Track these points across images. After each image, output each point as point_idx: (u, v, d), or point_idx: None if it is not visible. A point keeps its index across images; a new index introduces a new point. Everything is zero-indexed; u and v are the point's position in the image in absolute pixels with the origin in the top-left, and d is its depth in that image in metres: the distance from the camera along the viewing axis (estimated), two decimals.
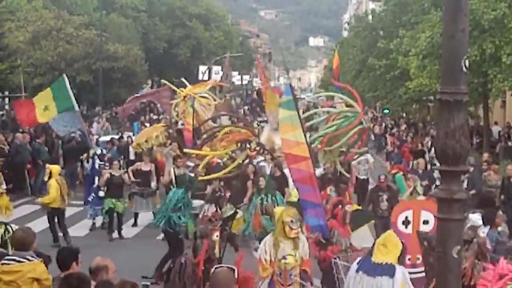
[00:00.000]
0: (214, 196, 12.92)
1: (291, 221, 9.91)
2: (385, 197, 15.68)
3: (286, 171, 17.38)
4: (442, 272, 5.18)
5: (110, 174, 17.67)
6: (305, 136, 11.15)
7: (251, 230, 15.29)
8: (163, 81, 26.90)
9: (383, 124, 45.60)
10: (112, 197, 17.50)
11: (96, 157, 19.46)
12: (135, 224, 18.97)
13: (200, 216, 12.38)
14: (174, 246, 13.77)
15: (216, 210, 12.37)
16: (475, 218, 11.30)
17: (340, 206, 12.01)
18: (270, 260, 9.93)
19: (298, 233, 10.05)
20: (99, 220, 18.81)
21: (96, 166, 19.05)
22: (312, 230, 11.77)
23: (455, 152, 5.02)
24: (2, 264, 7.54)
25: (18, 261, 7.53)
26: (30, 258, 7.61)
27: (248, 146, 16.26)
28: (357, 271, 8.40)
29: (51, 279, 7.59)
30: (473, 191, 17.01)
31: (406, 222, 10.55)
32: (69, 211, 19.51)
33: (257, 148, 17.64)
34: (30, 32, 46.50)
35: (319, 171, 17.15)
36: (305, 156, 10.94)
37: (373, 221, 14.22)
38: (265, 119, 31.39)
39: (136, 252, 16.15)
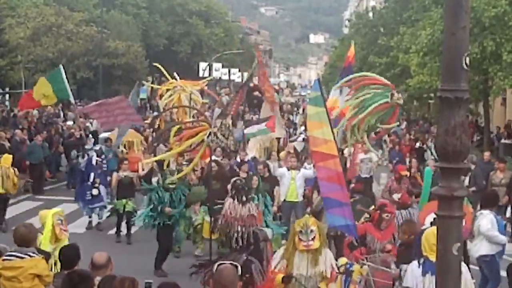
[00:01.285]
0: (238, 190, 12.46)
1: (300, 231, 9.30)
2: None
3: (281, 170, 17.31)
4: (441, 270, 5.18)
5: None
6: (333, 133, 10.77)
7: None
8: (156, 64, 26.54)
9: None
10: (123, 197, 17.13)
11: (94, 153, 18.87)
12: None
13: (223, 212, 12.17)
14: (163, 242, 14.39)
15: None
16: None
17: (379, 211, 11.48)
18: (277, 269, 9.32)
19: (310, 246, 9.26)
20: (95, 219, 18.41)
21: (93, 162, 18.39)
22: (337, 230, 11.29)
23: (455, 149, 5.02)
24: (4, 260, 7.56)
25: (20, 257, 7.55)
26: (31, 254, 7.62)
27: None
28: (423, 274, 8.25)
29: (52, 276, 7.61)
30: (473, 188, 17.04)
31: (434, 223, 10.04)
32: (68, 208, 19.56)
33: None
34: (31, 28, 46.52)
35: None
36: (333, 154, 10.55)
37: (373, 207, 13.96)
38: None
39: (135, 248, 16.14)
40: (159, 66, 24.65)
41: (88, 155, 19.31)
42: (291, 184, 16.69)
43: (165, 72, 24.04)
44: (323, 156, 10.61)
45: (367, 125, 13.67)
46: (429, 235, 8.20)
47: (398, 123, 16.50)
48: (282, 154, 20.10)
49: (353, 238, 10.85)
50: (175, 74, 24.36)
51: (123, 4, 62.81)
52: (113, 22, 55.85)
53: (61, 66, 21.17)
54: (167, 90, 22.32)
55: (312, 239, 9.30)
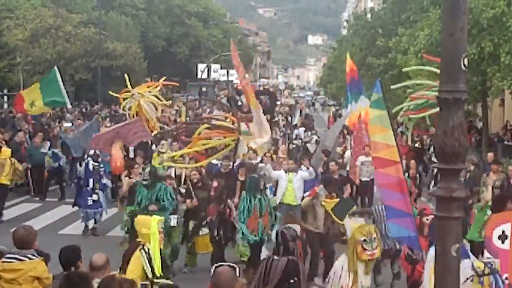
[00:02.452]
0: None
1: (364, 240, 9.05)
2: None
3: (278, 173, 17.01)
4: (441, 270, 5.19)
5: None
6: (395, 138, 10.25)
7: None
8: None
9: None
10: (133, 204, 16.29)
11: (89, 158, 18.02)
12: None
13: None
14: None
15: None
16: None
17: (419, 216, 11.01)
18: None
19: (374, 255, 9.09)
20: (90, 223, 17.77)
21: (90, 167, 17.77)
22: (400, 242, 10.72)
23: (453, 150, 5.03)
24: (3, 262, 7.55)
25: (19, 259, 7.54)
26: (31, 256, 7.61)
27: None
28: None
29: (52, 278, 7.60)
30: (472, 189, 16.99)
31: (502, 237, 9.42)
32: (66, 210, 19.54)
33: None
34: (29, 30, 46.54)
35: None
36: (395, 160, 9.99)
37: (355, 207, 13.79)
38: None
39: None
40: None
41: (86, 161, 18.39)
42: (289, 186, 16.41)
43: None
44: (384, 162, 10.08)
45: (415, 120, 13.33)
46: None
47: None
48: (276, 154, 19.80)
49: (410, 250, 10.35)
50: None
51: (121, 5, 62.84)
52: (111, 23, 55.88)
53: (56, 69, 20.85)
54: (124, 99, 22.00)
55: (376, 248, 9.18)
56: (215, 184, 15.40)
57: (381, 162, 10.12)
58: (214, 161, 18.56)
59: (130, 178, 16.45)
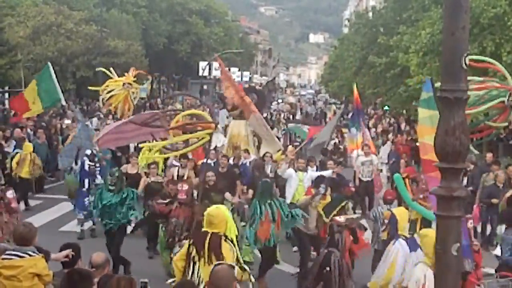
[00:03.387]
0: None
1: None
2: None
3: (288, 172, 16.87)
4: (441, 270, 5.18)
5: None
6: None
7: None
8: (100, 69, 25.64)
9: (385, 121, 45.26)
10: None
11: (85, 158, 17.45)
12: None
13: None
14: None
15: None
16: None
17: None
18: None
19: None
20: (86, 225, 17.36)
21: (86, 167, 17.22)
22: None
23: (454, 149, 5.03)
24: (3, 259, 7.55)
25: (19, 256, 7.55)
26: (31, 253, 7.61)
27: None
28: (410, 251, 8.92)
29: (52, 275, 7.61)
30: (470, 188, 16.97)
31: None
32: (66, 207, 19.51)
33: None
34: (30, 27, 46.47)
35: (327, 173, 16.95)
36: None
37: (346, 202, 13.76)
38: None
39: (130, 249, 15.71)
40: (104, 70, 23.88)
41: (82, 161, 17.84)
42: (299, 186, 16.23)
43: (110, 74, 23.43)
44: (434, 166, 9.25)
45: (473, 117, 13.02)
46: (403, 214, 8.66)
47: (505, 123, 15.59)
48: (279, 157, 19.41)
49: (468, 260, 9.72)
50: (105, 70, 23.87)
51: (122, 3, 62.78)
52: (112, 21, 55.83)
53: (49, 64, 20.60)
54: (109, 91, 21.84)
55: None
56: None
57: (431, 166, 9.24)
58: (209, 161, 18.56)
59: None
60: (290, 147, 20.42)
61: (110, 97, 22.51)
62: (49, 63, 20.57)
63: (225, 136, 22.94)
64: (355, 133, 22.39)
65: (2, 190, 13.02)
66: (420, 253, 8.60)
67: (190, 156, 17.56)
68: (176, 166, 16.91)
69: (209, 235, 8.75)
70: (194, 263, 8.68)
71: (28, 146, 20.72)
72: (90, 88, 22.58)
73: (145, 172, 16.68)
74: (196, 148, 14.98)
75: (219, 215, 9.02)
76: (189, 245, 8.78)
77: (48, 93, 20.89)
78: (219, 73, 34.83)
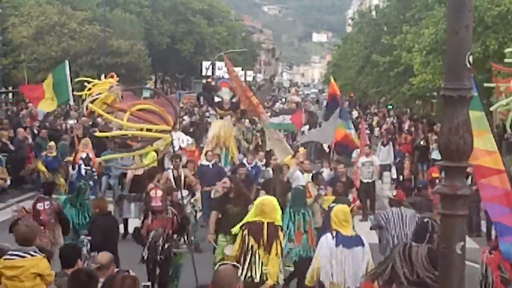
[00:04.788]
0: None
1: None
2: None
3: (296, 174, 16.69)
4: (445, 268, 5.17)
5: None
6: (496, 143, 8.92)
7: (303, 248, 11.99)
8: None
9: (389, 120, 45.03)
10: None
11: (81, 161, 17.03)
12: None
13: None
14: None
15: None
16: None
17: None
18: None
19: None
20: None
21: (82, 172, 16.79)
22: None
23: (458, 148, 5.02)
24: (5, 259, 7.54)
25: (21, 256, 7.54)
26: (33, 253, 7.60)
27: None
28: (336, 245, 8.87)
29: (54, 275, 7.60)
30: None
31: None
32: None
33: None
34: (34, 27, 46.52)
35: (329, 174, 16.85)
36: (498, 168, 8.63)
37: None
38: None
39: (132, 252, 15.38)
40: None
41: (78, 165, 17.44)
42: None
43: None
44: (486, 171, 8.70)
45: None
46: (338, 211, 8.98)
47: None
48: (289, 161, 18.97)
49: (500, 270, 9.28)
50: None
51: (125, 2, 62.87)
52: (116, 20, 55.88)
53: (66, 62, 20.57)
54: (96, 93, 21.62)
55: None
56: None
57: (482, 171, 8.73)
58: (205, 163, 18.15)
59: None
60: (301, 149, 19.26)
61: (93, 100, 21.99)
62: (66, 61, 20.37)
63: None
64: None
65: (36, 200, 12.35)
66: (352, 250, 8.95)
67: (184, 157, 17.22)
68: (169, 168, 16.35)
69: (266, 224, 9.02)
70: (253, 253, 8.96)
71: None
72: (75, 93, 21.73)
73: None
74: (153, 150, 13.58)
75: (270, 204, 9.26)
76: (244, 235, 9.03)
77: (60, 92, 20.81)
78: (226, 72, 33.96)
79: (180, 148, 19.70)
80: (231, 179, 13.34)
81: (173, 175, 15.54)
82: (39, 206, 11.94)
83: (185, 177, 15.69)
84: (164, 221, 11.66)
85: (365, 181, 20.16)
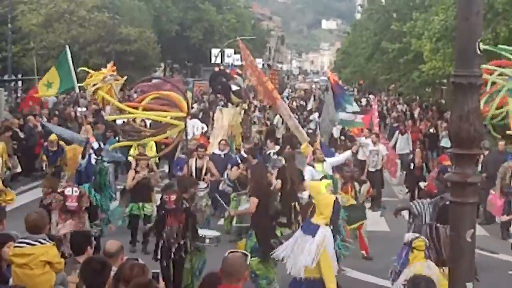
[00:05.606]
0: None
1: None
2: None
3: (307, 168, 16.42)
4: (455, 255, 5.15)
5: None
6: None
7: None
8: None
9: (400, 107, 44.80)
10: (137, 201, 14.85)
11: (91, 151, 15.92)
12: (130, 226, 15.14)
13: None
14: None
15: None
16: None
17: None
18: None
19: None
20: None
21: (93, 161, 15.49)
22: None
23: (469, 135, 4.98)
24: (15, 247, 7.57)
25: (31, 244, 7.56)
26: (42, 241, 7.62)
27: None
28: (301, 229, 9.70)
29: (63, 262, 7.62)
30: (484, 175, 16.72)
31: None
32: None
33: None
34: (43, 15, 46.59)
35: (347, 155, 16.65)
36: None
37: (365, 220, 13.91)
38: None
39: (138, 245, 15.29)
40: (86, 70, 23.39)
41: (89, 154, 16.02)
42: (323, 177, 15.56)
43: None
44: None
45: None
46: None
47: None
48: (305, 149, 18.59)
49: None
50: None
51: None
52: (125, 8, 55.82)
53: (67, 48, 20.28)
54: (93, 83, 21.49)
55: None
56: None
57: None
58: (217, 151, 17.87)
59: (136, 171, 15.01)
60: (318, 138, 17.95)
61: (95, 91, 21.89)
62: (67, 47, 20.18)
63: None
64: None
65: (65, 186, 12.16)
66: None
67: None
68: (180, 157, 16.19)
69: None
70: None
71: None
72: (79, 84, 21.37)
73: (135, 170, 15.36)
74: (166, 138, 12.81)
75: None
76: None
77: (63, 79, 20.69)
78: (241, 59, 33.41)
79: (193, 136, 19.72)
80: (254, 169, 12.76)
81: (195, 166, 15.31)
82: (67, 191, 11.83)
83: (207, 169, 15.48)
84: (178, 218, 11.20)
85: (371, 170, 20.01)
